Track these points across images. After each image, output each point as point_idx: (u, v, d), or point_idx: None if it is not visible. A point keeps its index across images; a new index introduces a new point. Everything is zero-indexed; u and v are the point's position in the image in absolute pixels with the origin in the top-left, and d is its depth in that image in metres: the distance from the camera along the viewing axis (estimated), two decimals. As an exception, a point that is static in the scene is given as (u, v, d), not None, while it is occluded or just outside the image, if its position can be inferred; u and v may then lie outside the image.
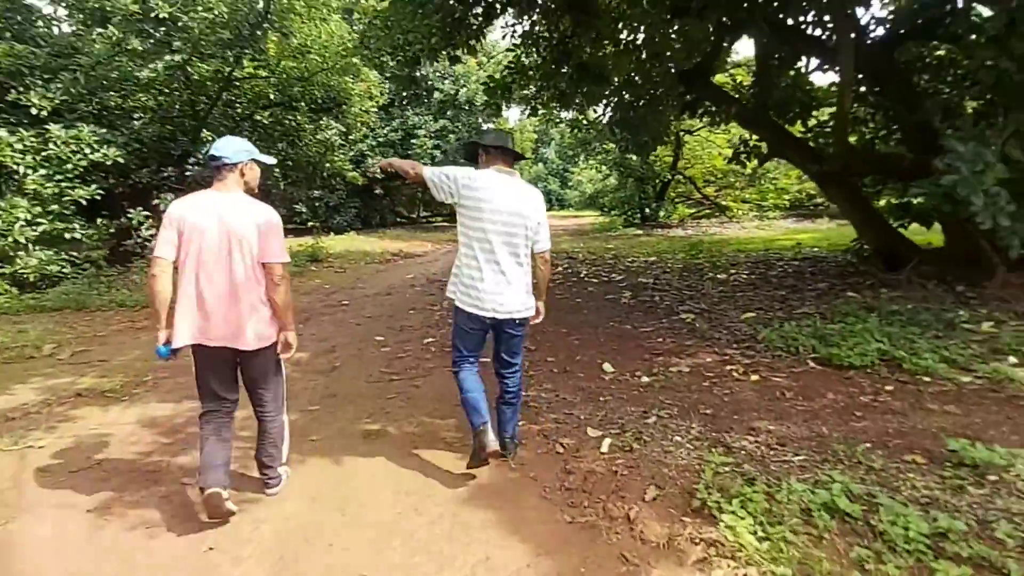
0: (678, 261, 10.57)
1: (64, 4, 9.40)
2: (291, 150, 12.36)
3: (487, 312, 2.80)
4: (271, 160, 2.93)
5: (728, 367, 4.31)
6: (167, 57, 8.72)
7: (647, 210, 21.39)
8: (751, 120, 8.49)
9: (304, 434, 3.56)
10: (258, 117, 11.80)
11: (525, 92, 9.87)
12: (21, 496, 2.94)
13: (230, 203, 2.56)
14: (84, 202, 8.54)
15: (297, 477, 3.04)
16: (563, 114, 17.42)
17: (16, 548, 2.53)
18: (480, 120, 22.74)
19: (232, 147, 2.61)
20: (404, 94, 23.65)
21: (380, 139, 22.56)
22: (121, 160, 8.89)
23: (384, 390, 4.37)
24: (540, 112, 11.39)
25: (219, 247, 2.51)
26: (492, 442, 2.74)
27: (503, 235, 2.78)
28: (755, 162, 9.94)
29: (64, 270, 8.43)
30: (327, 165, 13.85)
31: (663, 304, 6.76)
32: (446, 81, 22.86)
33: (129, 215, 9.88)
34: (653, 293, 7.47)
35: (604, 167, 24.19)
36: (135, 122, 9.46)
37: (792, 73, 8.26)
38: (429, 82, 23.20)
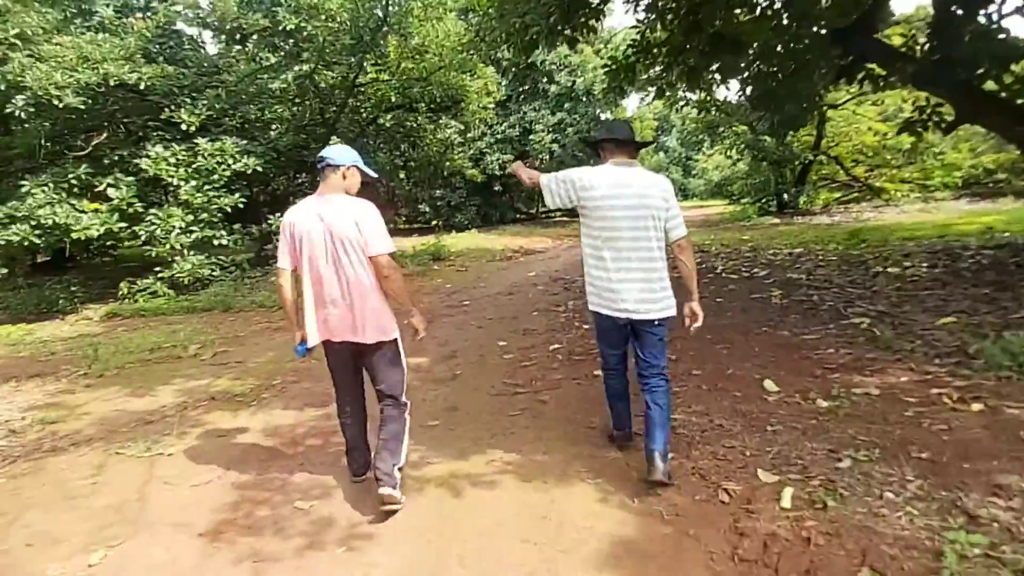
0: (832, 252, 9.23)
1: (209, 27, 10.09)
2: (412, 151, 12.55)
3: (621, 313, 2.72)
4: (373, 174, 3.02)
5: (934, 390, 3.38)
6: (295, 67, 9.07)
7: (784, 196, 19.40)
8: (931, 80, 7.05)
9: (423, 455, 3.24)
10: (381, 120, 12.08)
11: (650, 73, 9.10)
12: (142, 511, 2.88)
13: (330, 204, 2.66)
14: (229, 210, 9.10)
15: (414, 508, 2.70)
16: (690, 96, 16.29)
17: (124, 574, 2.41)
18: (598, 111, 21.98)
19: (338, 151, 2.78)
20: (521, 90, 23.50)
21: (498, 136, 22.56)
22: (260, 169, 9.38)
23: (508, 405, 3.97)
24: (666, 95, 10.54)
25: (325, 247, 2.62)
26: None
27: (631, 229, 2.66)
28: (932, 133, 8.35)
29: (214, 273, 9.07)
30: (447, 164, 13.94)
31: (825, 305, 5.75)
32: (563, 73, 22.33)
33: (268, 220, 10.49)
34: (810, 291, 6.43)
35: (733, 151, 22.33)
36: (272, 132, 9.98)
37: (981, 20, 6.74)
38: (545, 75, 22.82)
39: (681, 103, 15.09)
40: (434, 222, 23.50)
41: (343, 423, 2.93)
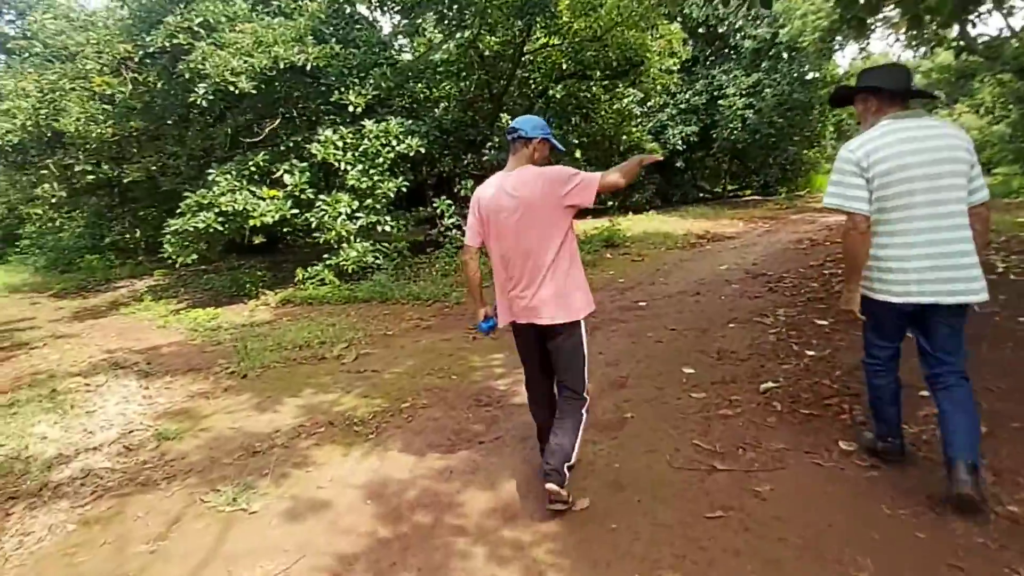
0: None
1: (382, 4, 9.76)
2: (585, 124, 11.27)
3: (910, 299, 2.29)
4: (560, 147, 2.83)
5: None
6: (457, 35, 8.28)
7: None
8: None
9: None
10: (551, 91, 10.97)
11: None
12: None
13: (520, 177, 2.51)
14: (392, 194, 8.71)
15: None
16: (945, 32, 12.63)
17: None
18: (805, 68, 18.56)
19: (530, 123, 2.59)
20: (709, 50, 20.83)
21: (682, 105, 20.23)
22: (423, 150, 8.84)
23: (701, 494, 2.60)
24: (917, 30, 7.94)
25: (514, 224, 2.48)
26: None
27: (930, 199, 2.23)
28: None
29: (377, 260, 8.78)
30: (623, 138, 12.42)
31: None
32: (761, 24, 19.19)
33: (434, 204, 10.03)
34: None
35: (996, 107, 17.46)
36: (436, 111, 9.42)
37: None
38: (738, 30, 19.87)
39: (932, 44, 11.83)
40: (609, 203, 22.02)
41: (533, 409, 2.88)
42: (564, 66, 10.51)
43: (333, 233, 8.50)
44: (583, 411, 2.63)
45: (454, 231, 9.56)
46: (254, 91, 7.59)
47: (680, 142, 19.31)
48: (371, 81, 8.81)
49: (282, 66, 7.70)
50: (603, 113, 12.33)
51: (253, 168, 8.46)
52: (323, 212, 8.56)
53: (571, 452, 2.52)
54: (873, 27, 15.67)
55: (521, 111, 11.64)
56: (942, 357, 2.35)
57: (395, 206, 9.45)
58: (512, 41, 9.85)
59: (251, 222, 8.04)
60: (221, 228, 8.03)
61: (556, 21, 9.87)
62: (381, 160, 8.72)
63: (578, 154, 16.44)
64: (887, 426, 2.60)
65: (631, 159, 2.53)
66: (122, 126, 8.61)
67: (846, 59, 34.14)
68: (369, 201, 8.75)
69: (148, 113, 8.71)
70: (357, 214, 8.73)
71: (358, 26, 9.48)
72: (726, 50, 20.80)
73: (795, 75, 18.89)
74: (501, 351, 5.16)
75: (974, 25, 9.49)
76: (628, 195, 20.03)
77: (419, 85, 9.74)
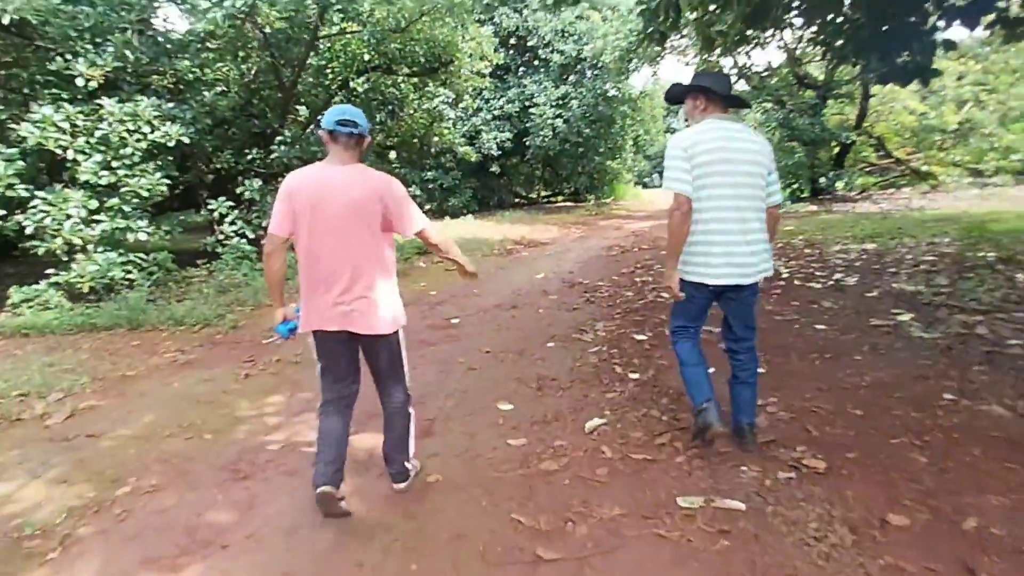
0: (931, 250, 7.19)
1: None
2: (392, 122, 10.37)
3: (719, 280, 2.57)
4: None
5: None
6: (226, 3, 6.85)
7: (821, 181, 17.31)
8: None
9: None
10: (353, 84, 9.88)
11: (691, 19, 7.00)
12: None
13: (348, 174, 2.31)
14: (144, 193, 6.95)
15: None
16: (724, 60, 14.10)
17: None
18: (607, 84, 19.74)
19: (360, 115, 2.37)
20: (520, 61, 21.24)
21: (495, 111, 20.31)
22: (187, 139, 7.20)
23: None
24: (710, 52, 8.49)
25: (336, 222, 2.27)
26: (717, 421, 2.62)
27: (740, 195, 2.54)
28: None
29: (129, 276, 6.93)
30: (435, 139, 11.73)
31: (1010, 343, 3.73)
32: (568, 41, 20.04)
33: (210, 206, 8.35)
34: (954, 314, 4.41)
35: (762, 130, 20.19)
36: (207, 94, 7.80)
37: None
38: (547, 44, 20.55)
39: (716, 70, 13.05)
40: (426, 207, 21.32)
41: (323, 422, 2.49)
42: (367, 57, 9.50)
43: (59, 242, 6.50)
44: (410, 408, 2.62)
45: (235, 239, 8.02)
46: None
47: (495, 147, 19.32)
48: (111, 50, 6.95)
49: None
50: (412, 112, 11.53)
51: (-75, 153, 6.12)
52: (42, 214, 6.51)
53: (407, 447, 2.61)
54: (664, 52, 17.17)
55: (319, 104, 10.37)
56: (740, 333, 2.75)
57: (156, 208, 7.63)
58: (304, 23, 8.58)
59: (-80, 227, 5.77)
60: None
61: (354, 5, 8.83)
62: (129, 150, 6.92)
63: (392, 155, 15.48)
64: (701, 387, 2.70)
65: (462, 258, 2.67)
66: None
67: (641, 79, 37.73)
68: (114, 201, 6.88)
69: None
70: (96, 217, 6.82)
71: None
72: (536, 62, 21.36)
73: (599, 91, 20.02)
74: (280, 390, 4.09)
75: (749, 56, 10.58)
76: (445, 199, 19.54)
77: (184, 62, 8.01)
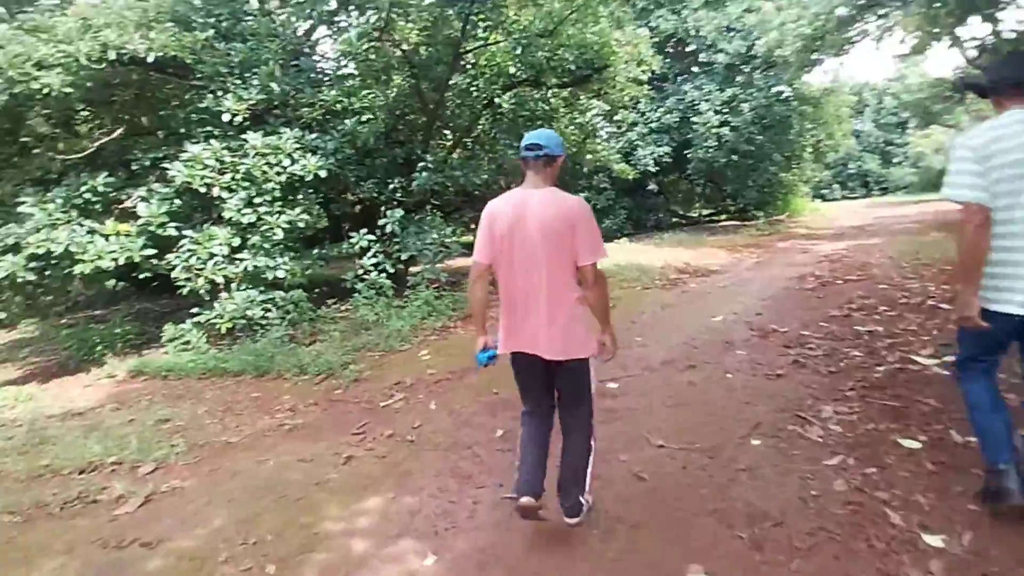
0: None
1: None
2: (540, 140, 9.47)
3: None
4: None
5: None
6: (360, 19, 6.34)
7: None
8: None
9: None
10: (498, 101, 9.11)
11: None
12: None
13: (542, 198, 2.34)
14: (281, 230, 6.64)
15: None
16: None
17: None
18: (785, 80, 17.25)
19: (553, 139, 2.43)
20: (678, 66, 19.48)
21: (652, 124, 18.71)
22: (323, 173, 6.82)
23: None
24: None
25: (529, 247, 2.32)
26: (1018, 494, 2.12)
27: None
28: None
29: (268, 315, 6.64)
30: (588, 156, 10.59)
31: None
32: (734, 39, 17.87)
33: (351, 239, 7.97)
34: None
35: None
36: (347, 122, 7.44)
37: None
38: (709, 45, 18.57)
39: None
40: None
41: (524, 427, 2.60)
42: (512, 70, 8.69)
43: (202, 280, 6.36)
44: (592, 441, 2.53)
45: (373, 273, 7.50)
46: (68, 89, 5.49)
47: (652, 163, 17.73)
48: (256, 83, 6.79)
49: (113, 56, 5.63)
50: (562, 127, 10.50)
51: (89, 195, 6.30)
52: (189, 252, 6.43)
53: (585, 481, 2.48)
54: (856, 38, 14.44)
55: (464, 126, 9.76)
56: None
57: (305, 242, 7.34)
58: (445, 38, 7.97)
59: (79, 268, 5.86)
60: (34, 277, 5.83)
61: (499, 14, 8.04)
62: (270, 185, 6.67)
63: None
64: (999, 441, 2.21)
65: (608, 326, 2.50)
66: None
67: (820, 76, 33.30)
68: (256, 239, 6.66)
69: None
70: (239, 256, 6.63)
71: (248, 16, 7.49)
72: (696, 67, 19.46)
73: (772, 90, 17.57)
74: (381, 488, 3.12)
75: (995, 22, 7.98)
76: (598, 222, 18.25)
77: (331, 92, 7.76)
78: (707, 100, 17.70)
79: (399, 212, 8.12)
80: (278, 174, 6.70)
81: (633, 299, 7.89)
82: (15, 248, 5.70)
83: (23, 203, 6.02)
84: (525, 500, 2.35)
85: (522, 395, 2.62)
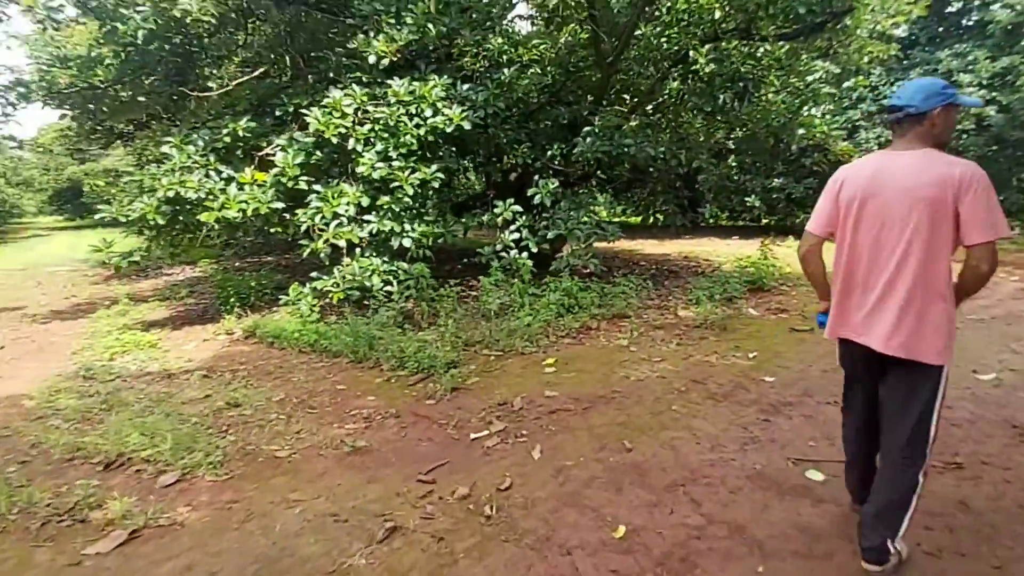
0: None
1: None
2: (740, 106, 7.43)
3: None
4: (977, 101, 2.35)
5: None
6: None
7: None
8: None
9: None
10: (694, 56, 7.28)
11: None
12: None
13: (910, 162, 1.94)
14: (412, 188, 5.75)
15: None
16: None
17: None
18: None
19: (920, 91, 1.96)
20: (935, 27, 15.44)
21: (884, 101, 15.11)
22: (467, 125, 5.78)
23: None
24: None
25: (887, 220, 1.94)
26: None
27: None
28: None
29: (389, 288, 5.86)
30: (800, 131, 8.32)
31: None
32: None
33: (495, 208, 6.92)
34: None
35: None
36: (504, 71, 6.29)
37: None
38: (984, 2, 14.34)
39: None
40: (765, 221, 17.38)
41: (845, 432, 2.36)
42: (717, 15, 6.84)
43: (322, 243, 5.72)
44: (920, 475, 2.01)
45: (513, 251, 6.36)
46: (211, 19, 5.00)
47: (876, 146, 14.32)
48: (409, 21, 5.89)
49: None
50: (771, 94, 8.33)
51: (229, 139, 5.93)
52: (315, 210, 5.82)
53: (899, 522, 2.02)
54: None
55: (647, 86, 8.11)
56: None
57: (427, 207, 6.42)
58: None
59: (204, 216, 5.50)
60: (163, 222, 5.58)
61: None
62: (408, 138, 5.80)
63: (732, 159, 12.39)
64: None
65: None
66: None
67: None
68: (384, 199, 5.86)
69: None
70: (366, 216, 5.89)
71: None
72: (959, 30, 15.28)
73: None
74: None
75: None
76: (790, 213, 15.37)
77: (496, 39, 6.67)
78: (970, 71, 13.72)
79: (553, 182, 6.85)
80: (417, 126, 5.80)
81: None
82: (152, 190, 5.46)
83: (167, 142, 5.80)
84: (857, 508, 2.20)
85: (845, 393, 2.34)
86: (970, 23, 14.92)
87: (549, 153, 7.25)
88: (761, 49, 7.76)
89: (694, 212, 14.57)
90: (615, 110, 8.12)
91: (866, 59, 8.61)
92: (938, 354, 1.93)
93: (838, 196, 2.09)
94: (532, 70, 7.15)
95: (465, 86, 6.33)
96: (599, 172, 8.98)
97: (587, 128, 6.99)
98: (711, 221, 19.53)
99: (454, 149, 6.31)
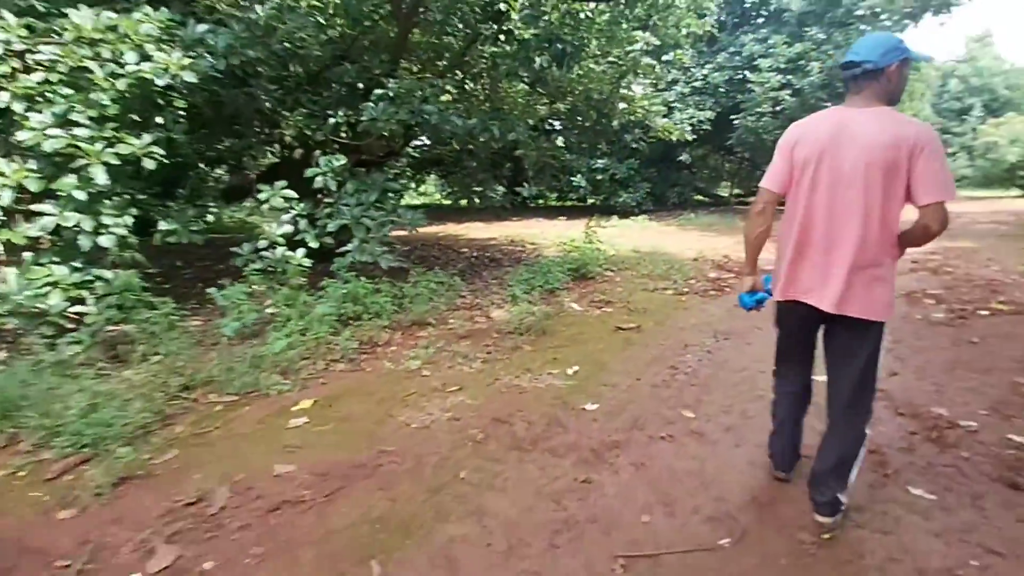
0: None
1: None
2: (559, 72, 6.56)
3: None
4: (927, 56, 2.18)
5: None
6: None
7: None
8: None
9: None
10: (505, 9, 6.20)
11: None
12: None
13: (867, 120, 1.90)
14: (106, 168, 4.00)
15: None
16: None
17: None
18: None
19: (877, 47, 1.92)
20: (738, 15, 16.31)
21: (696, 83, 15.68)
22: (190, 77, 4.16)
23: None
24: None
25: (841, 179, 1.92)
26: None
27: None
28: None
29: (80, 307, 4.05)
30: (621, 106, 7.74)
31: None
32: (811, -17, 14.63)
33: (259, 195, 5.38)
34: None
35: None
36: (258, 8, 4.74)
37: None
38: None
39: None
40: (589, 201, 17.45)
41: (777, 397, 2.40)
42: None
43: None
44: (867, 428, 2.10)
45: (282, 248, 4.89)
46: None
47: (689, 129, 14.74)
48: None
49: None
50: (591, 63, 7.63)
51: None
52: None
53: (848, 474, 2.10)
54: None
55: (446, 47, 6.96)
56: None
57: (133, 193, 4.57)
58: None
59: None
60: None
61: None
62: (98, 96, 4.02)
63: (560, 136, 11.75)
64: None
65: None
66: None
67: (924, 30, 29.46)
68: (66, 181, 4.03)
69: None
70: (40, 206, 4.03)
71: None
72: (762, 15, 16.26)
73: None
74: None
75: None
76: (613, 194, 15.48)
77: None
78: (769, 56, 14.61)
79: (339, 159, 5.46)
80: (114, 76, 4.04)
81: (665, 314, 5.28)
82: None
83: None
84: (778, 475, 2.33)
85: (779, 358, 2.34)
86: (768, 10, 15.92)
87: (332, 121, 5.80)
88: (583, 13, 6.94)
89: (513, 193, 13.86)
90: (417, 73, 6.86)
91: (684, 32, 8.29)
92: (884, 310, 1.95)
93: (792, 155, 2.04)
94: (312, 17, 5.62)
95: (201, 27, 4.63)
96: (407, 148, 7.70)
97: (378, 91, 5.65)
98: (540, 202, 19.21)
99: (180, 112, 4.60)
